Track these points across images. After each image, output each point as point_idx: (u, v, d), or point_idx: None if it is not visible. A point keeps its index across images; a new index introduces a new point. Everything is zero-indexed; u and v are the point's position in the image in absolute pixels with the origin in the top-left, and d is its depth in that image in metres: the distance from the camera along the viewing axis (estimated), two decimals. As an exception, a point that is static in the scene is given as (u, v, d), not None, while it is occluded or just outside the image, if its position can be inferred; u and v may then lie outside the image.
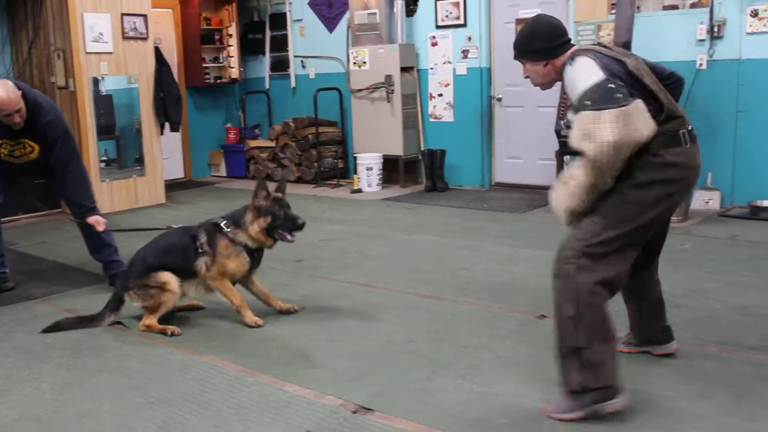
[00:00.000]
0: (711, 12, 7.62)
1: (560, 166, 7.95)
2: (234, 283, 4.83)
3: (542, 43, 3.46)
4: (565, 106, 7.70)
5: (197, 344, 4.51)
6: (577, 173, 3.22)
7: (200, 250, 4.73)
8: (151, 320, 4.73)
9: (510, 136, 9.63)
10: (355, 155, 10.24)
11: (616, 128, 3.04)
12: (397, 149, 9.97)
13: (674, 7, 7.95)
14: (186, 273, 4.76)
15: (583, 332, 3.23)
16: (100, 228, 5.52)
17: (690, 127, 3.39)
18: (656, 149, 3.23)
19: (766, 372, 3.81)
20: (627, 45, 7.56)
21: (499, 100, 9.63)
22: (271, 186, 4.85)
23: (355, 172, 10.10)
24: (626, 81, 3.23)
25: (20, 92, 5.16)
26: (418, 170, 10.26)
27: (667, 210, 3.40)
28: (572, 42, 3.53)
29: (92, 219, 5.51)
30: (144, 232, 5.62)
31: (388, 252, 6.62)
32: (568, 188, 3.27)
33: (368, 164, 9.90)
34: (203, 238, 4.75)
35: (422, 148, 10.08)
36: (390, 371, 4.00)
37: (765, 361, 3.94)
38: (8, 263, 5.88)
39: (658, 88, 3.34)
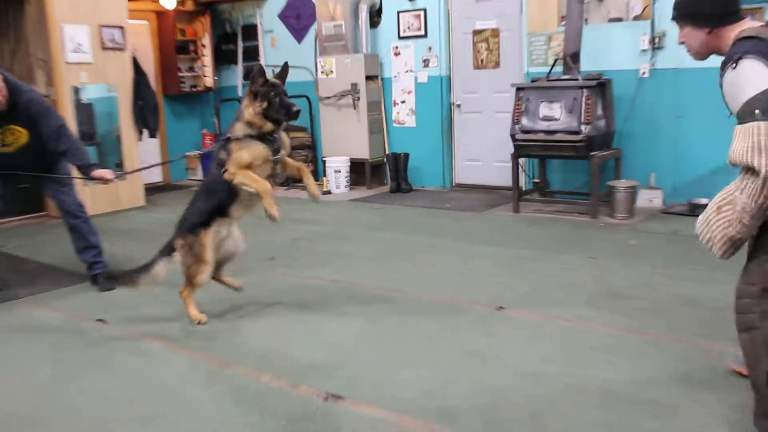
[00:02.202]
0: (652, 24, 7.72)
1: (516, 169, 8.00)
2: (267, 178, 4.51)
3: (711, 8, 2.93)
4: (519, 111, 7.76)
5: (177, 339, 4.48)
6: (737, 197, 2.73)
7: (225, 168, 4.46)
8: (189, 294, 4.70)
9: (469, 140, 9.67)
10: (324, 159, 10.21)
11: None
12: (363, 153, 9.97)
13: (619, 20, 8.05)
14: (230, 198, 4.54)
15: None
16: (109, 177, 5.33)
17: None
18: None
19: (712, 357, 3.90)
20: (576, 55, 7.65)
21: (459, 106, 9.67)
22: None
23: (324, 175, 10.07)
24: None
25: (1, 76, 5.11)
26: (383, 172, 10.26)
27: None
28: (741, 15, 2.96)
29: (98, 173, 5.31)
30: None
31: (356, 250, 6.63)
32: (726, 214, 2.77)
33: (336, 167, 9.89)
34: (222, 155, 4.50)
35: (387, 152, 10.09)
36: (360, 362, 4.02)
37: (708, 346, 4.02)
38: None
39: None
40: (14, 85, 5.21)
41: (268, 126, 4.48)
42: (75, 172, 5.56)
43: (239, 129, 4.49)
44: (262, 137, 4.49)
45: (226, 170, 4.46)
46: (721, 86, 2.90)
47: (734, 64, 2.75)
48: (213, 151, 4.74)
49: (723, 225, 2.77)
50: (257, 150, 4.47)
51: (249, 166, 4.45)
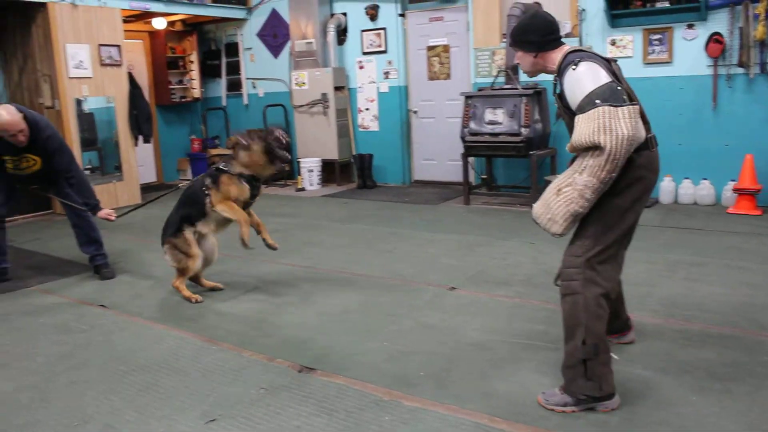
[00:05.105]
0: (580, 40, 7.80)
1: (465, 167, 8.04)
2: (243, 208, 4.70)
3: (535, 36, 3.07)
4: (467, 116, 7.79)
5: (169, 321, 4.45)
6: (576, 178, 2.81)
7: (206, 192, 4.64)
8: (180, 283, 4.83)
9: (425, 142, 9.69)
10: (299, 160, 10.16)
11: (630, 124, 2.71)
12: (333, 154, 9.94)
13: (552, 37, 8.11)
14: (199, 215, 4.72)
15: (591, 344, 2.90)
16: (113, 218, 5.39)
17: (653, 133, 3.00)
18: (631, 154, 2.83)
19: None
20: (515, 68, 7.70)
21: (416, 112, 9.67)
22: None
23: (299, 174, 10.04)
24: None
25: (21, 114, 4.97)
26: (351, 171, 10.25)
27: (641, 209, 3.02)
28: (561, 41, 3.13)
29: (103, 213, 5.37)
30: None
31: (326, 239, 6.60)
32: (568, 194, 2.83)
33: (310, 167, 9.85)
34: (208, 181, 4.66)
35: (354, 153, 10.07)
36: (329, 337, 4.02)
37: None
38: (9, 259, 5.65)
39: (632, 91, 2.99)
40: (33, 123, 5.08)
41: (268, 168, 4.64)
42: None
43: (235, 167, 4.61)
44: (251, 179, 4.64)
45: (209, 194, 4.63)
46: (556, 92, 3.05)
47: (575, 66, 2.88)
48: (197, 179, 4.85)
49: (565, 203, 2.83)
50: (243, 189, 4.62)
51: (231, 200, 4.63)
